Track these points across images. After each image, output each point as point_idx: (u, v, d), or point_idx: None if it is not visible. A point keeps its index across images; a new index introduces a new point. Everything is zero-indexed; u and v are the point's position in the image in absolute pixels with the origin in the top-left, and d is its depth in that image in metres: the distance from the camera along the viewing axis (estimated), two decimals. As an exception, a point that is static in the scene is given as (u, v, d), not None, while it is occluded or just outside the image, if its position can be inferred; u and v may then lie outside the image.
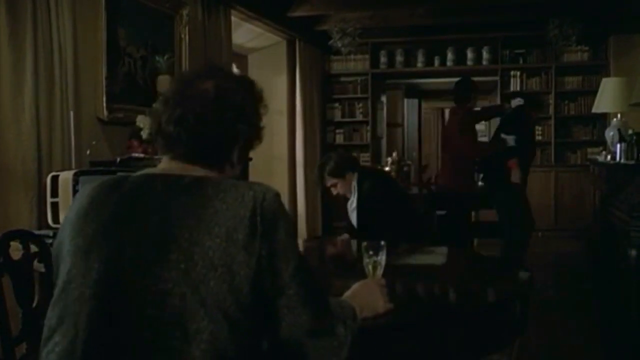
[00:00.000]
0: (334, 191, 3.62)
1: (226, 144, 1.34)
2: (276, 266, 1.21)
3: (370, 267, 1.70)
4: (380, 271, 1.69)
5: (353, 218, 3.68)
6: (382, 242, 1.71)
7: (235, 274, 1.16)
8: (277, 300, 1.21)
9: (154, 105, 1.39)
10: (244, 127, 1.35)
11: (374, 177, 3.76)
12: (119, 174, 1.38)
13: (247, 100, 1.37)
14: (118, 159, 3.53)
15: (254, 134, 1.39)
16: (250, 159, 7.36)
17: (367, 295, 1.50)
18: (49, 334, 1.22)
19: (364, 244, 1.72)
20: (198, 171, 1.31)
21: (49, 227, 3.06)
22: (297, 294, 1.22)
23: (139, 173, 1.34)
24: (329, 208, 8.22)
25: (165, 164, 1.35)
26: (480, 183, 5.87)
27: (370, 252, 1.69)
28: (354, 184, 3.59)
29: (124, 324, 1.15)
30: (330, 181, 3.56)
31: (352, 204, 3.63)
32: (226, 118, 1.32)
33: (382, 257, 1.69)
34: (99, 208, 1.26)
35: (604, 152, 6.08)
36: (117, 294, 1.17)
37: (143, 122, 3.71)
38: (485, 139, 8.29)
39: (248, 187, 1.24)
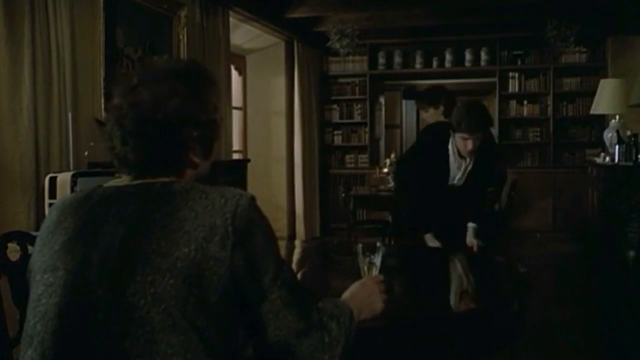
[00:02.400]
0: (473, 146, 3.22)
1: (176, 154, 1.26)
2: (256, 273, 1.19)
3: (365, 267, 1.71)
4: (375, 272, 1.69)
5: (459, 177, 3.42)
6: (379, 244, 1.72)
7: (204, 284, 1.14)
8: (261, 307, 1.19)
9: (105, 126, 1.29)
10: (191, 130, 1.26)
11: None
12: (98, 184, 1.32)
13: (187, 101, 1.26)
14: (116, 160, 3.53)
15: (207, 132, 1.29)
16: (249, 160, 7.29)
17: (365, 297, 1.48)
18: (21, 355, 1.18)
19: (360, 245, 1.73)
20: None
21: (46, 228, 3.06)
22: (280, 297, 1.20)
23: (108, 184, 1.30)
24: (327, 209, 8.23)
25: (126, 180, 1.29)
26: None
27: (367, 253, 1.70)
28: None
29: (90, 341, 1.11)
30: (477, 135, 3.18)
31: (468, 166, 3.36)
32: (168, 128, 1.24)
33: (378, 258, 1.70)
34: (67, 222, 1.23)
35: (602, 154, 6.09)
36: (83, 309, 1.14)
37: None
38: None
39: (219, 194, 1.20)
